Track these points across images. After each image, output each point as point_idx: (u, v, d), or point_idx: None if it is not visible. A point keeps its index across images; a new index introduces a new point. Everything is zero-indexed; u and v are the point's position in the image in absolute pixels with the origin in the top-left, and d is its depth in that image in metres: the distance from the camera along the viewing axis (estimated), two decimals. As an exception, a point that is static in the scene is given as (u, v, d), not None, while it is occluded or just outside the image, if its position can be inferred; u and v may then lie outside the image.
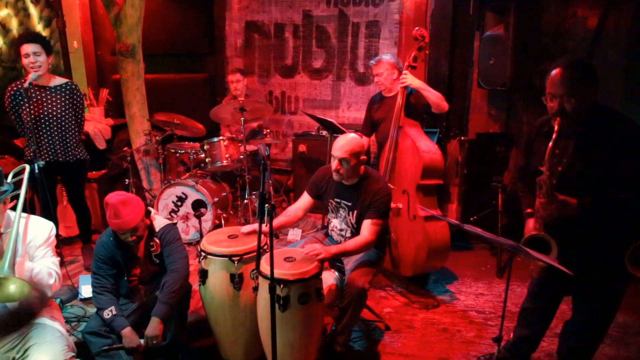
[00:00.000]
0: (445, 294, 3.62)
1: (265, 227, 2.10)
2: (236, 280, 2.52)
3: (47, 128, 3.43)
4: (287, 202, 5.37)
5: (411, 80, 3.44)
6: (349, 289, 2.57)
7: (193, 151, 4.43)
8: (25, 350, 2.11)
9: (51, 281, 2.15)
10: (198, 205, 4.07)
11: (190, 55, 6.01)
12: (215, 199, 4.26)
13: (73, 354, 2.22)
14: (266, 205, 2.01)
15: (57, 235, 2.53)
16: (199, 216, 3.59)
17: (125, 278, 2.60)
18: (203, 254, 2.60)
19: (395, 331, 3.12)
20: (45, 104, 3.40)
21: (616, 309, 2.24)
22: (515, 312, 3.27)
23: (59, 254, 2.73)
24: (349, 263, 2.80)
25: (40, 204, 3.43)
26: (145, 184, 4.75)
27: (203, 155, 4.44)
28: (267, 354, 2.49)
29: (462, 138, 4.72)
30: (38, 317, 2.23)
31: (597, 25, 4.14)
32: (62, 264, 3.42)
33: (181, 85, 5.89)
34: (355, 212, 2.77)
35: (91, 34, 5.82)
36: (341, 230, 2.89)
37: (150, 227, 2.60)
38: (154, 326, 2.40)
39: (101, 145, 5.10)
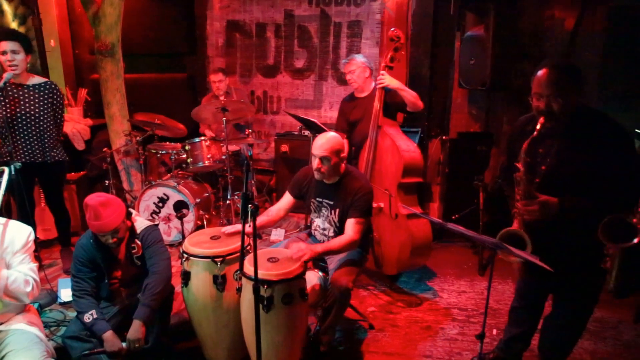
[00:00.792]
0: (428, 292, 3.65)
1: (248, 228, 2.10)
2: (219, 282, 2.50)
3: (24, 128, 3.34)
4: (270, 202, 5.35)
5: (389, 80, 3.47)
6: (333, 289, 2.58)
7: (174, 152, 4.39)
8: (2, 358, 2.06)
9: (28, 289, 2.10)
10: (180, 206, 4.03)
11: (170, 54, 5.93)
12: (197, 200, 4.22)
13: (52, 359, 2.17)
14: (249, 205, 2.00)
15: (35, 239, 2.48)
16: (180, 217, 3.56)
17: (106, 281, 2.56)
18: (185, 255, 2.58)
19: (379, 330, 3.13)
20: (22, 102, 3.31)
21: (594, 304, 2.28)
22: (497, 309, 3.34)
23: (37, 257, 2.67)
24: (333, 262, 2.81)
25: (17, 206, 3.35)
26: (125, 185, 4.69)
27: (184, 156, 4.40)
28: (251, 354, 2.49)
29: (444, 137, 4.77)
30: (15, 323, 2.18)
31: (573, 26, 4.24)
32: (40, 267, 3.35)
33: (162, 85, 5.82)
34: (338, 210, 2.78)
35: (69, 32, 5.70)
36: (324, 229, 2.90)
37: (132, 228, 2.57)
38: (136, 329, 2.37)
39: (80, 146, 5.00)
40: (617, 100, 4.05)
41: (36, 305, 2.87)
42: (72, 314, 2.86)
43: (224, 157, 4.29)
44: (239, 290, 2.42)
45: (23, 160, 3.32)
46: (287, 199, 2.98)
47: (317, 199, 2.88)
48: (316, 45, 5.34)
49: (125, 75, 4.54)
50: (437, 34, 4.76)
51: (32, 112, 3.35)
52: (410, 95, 3.50)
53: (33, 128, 3.37)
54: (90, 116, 5.45)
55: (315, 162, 2.71)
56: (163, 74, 5.92)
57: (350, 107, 3.88)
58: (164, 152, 4.50)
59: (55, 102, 3.46)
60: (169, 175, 4.47)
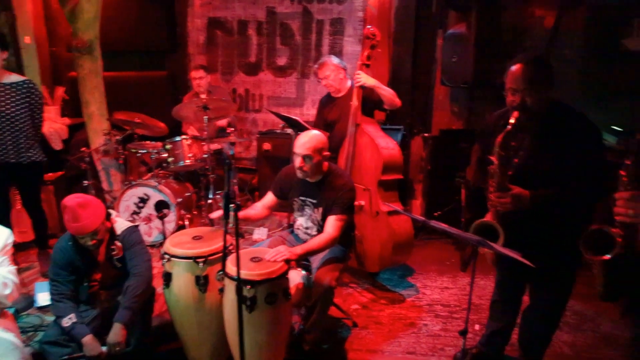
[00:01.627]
0: (411, 289, 3.67)
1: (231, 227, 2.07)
2: (201, 283, 2.47)
3: (-2, 127, 3.25)
4: (252, 200, 5.31)
5: (365, 79, 3.46)
6: (316, 287, 2.57)
7: (155, 151, 4.32)
8: (-24, 366, 2.01)
9: (7, 291, 2.06)
10: (161, 206, 3.96)
11: (151, 52, 5.85)
12: (179, 200, 4.17)
13: (30, 365, 2.13)
14: (231, 205, 1.98)
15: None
16: (162, 217, 3.51)
17: (86, 284, 2.52)
18: (167, 256, 2.54)
19: (362, 327, 3.14)
20: None
21: (569, 295, 2.34)
22: (479, 305, 3.37)
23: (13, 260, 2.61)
24: (315, 261, 2.80)
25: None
26: (105, 186, 4.61)
27: (165, 155, 4.33)
28: (235, 355, 2.46)
29: (426, 135, 4.80)
30: (-10, 329, 2.13)
31: (553, 25, 4.29)
32: (17, 271, 3.27)
33: (142, 83, 5.71)
34: (321, 209, 2.77)
35: (44, 28, 5.56)
36: (307, 228, 2.88)
37: (111, 230, 2.53)
38: (116, 332, 2.32)
39: (57, 145, 4.90)
40: (595, 97, 4.12)
41: (12, 310, 2.80)
42: (50, 318, 2.80)
43: (205, 155, 4.24)
44: (222, 290, 2.39)
45: (-3, 160, 3.24)
46: (269, 198, 2.97)
47: (300, 197, 2.86)
48: (298, 43, 5.31)
49: (104, 73, 4.46)
50: (420, 31, 4.79)
51: (7, 112, 3.26)
52: (387, 93, 3.50)
53: (7, 127, 3.28)
54: (68, 115, 5.33)
55: (297, 161, 2.69)
56: (143, 72, 5.82)
57: (328, 108, 3.87)
58: (144, 151, 4.43)
59: (32, 101, 3.38)
60: (149, 174, 4.40)
